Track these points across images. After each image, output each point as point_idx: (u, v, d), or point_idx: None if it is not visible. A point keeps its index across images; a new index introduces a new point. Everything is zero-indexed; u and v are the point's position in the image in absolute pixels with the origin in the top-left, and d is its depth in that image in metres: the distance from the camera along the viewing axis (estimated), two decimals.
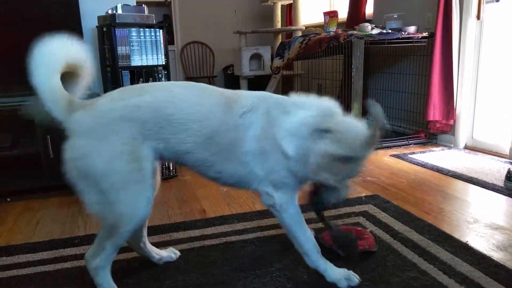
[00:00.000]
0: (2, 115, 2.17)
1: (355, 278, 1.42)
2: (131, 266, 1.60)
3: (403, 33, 3.17)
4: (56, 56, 1.24)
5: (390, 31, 3.25)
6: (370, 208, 2.05)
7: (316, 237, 1.72)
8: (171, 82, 1.37)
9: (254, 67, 4.95)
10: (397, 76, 3.78)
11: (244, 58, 4.75)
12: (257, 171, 1.34)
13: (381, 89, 4.02)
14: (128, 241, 1.52)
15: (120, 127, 1.22)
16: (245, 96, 1.37)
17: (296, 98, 1.39)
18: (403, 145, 3.32)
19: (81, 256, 1.69)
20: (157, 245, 1.76)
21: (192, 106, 1.28)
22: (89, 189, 1.24)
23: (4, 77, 2.47)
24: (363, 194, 2.26)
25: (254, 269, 1.54)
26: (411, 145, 3.34)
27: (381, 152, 3.18)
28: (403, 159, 2.95)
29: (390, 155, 3.07)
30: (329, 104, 1.36)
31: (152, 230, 1.91)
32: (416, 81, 3.54)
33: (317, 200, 1.42)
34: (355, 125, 1.32)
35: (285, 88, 5.07)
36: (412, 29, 3.30)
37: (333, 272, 1.42)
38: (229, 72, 6.08)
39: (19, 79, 2.48)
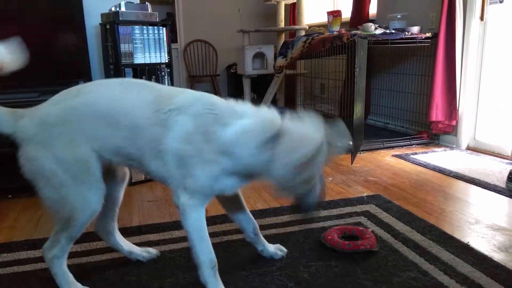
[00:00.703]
0: None
1: None
2: (132, 264, 1.61)
3: (407, 33, 3.17)
4: None
5: (393, 31, 3.24)
6: (371, 208, 2.05)
7: (318, 237, 1.73)
8: (109, 80, 1.38)
9: (257, 66, 4.95)
10: (400, 76, 3.77)
11: (247, 57, 4.74)
12: (173, 172, 1.29)
13: (384, 89, 4.01)
14: (97, 231, 1.59)
15: (58, 130, 1.26)
16: (182, 95, 1.31)
17: (235, 105, 1.31)
18: (405, 146, 3.32)
19: (81, 253, 1.70)
20: (159, 243, 1.77)
21: (120, 100, 1.29)
22: (43, 188, 1.29)
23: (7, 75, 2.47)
24: (365, 194, 2.26)
25: (255, 268, 1.54)
26: (414, 146, 3.33)
27: (383, 152, 3.18)
28: (405, 159, 2.95)
29: (392, 155, 3.07)
30: (270, 114, 1.32)
31: (154, 228, 1.91)
32: (419, 81, 3.53)
33: (299, 208, 1.33)
34: (304, 128, 1.26)
35: (288, 87, 5.07)
36: (415, 29, 3.29)
37: None
38: (232, 70, 6.08)
39: (21, 76, 2.50)
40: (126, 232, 1.87)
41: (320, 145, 1.18)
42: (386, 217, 1.93)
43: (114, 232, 1.61)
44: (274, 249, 1.63)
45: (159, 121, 1.25)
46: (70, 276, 1.41)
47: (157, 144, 1.26)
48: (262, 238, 1.62)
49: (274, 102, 4.96)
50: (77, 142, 1.27)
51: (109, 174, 1.48)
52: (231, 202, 1.57)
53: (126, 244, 1.64)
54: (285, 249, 1.66)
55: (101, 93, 1.32)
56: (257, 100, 5.54)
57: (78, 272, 1.54)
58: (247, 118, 1.26)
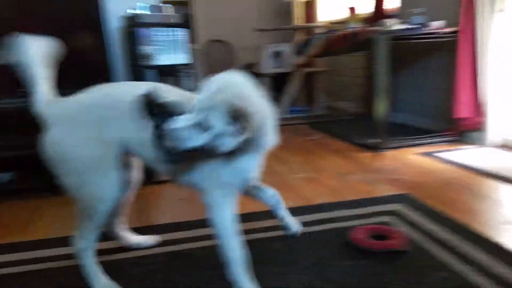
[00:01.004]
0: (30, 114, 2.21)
1: None
2: (159, 262, 1.61)
3: (429, 28, 3.10)
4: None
5: (414, 26, 3.17)
6: (398, 207, 2.01)
7: (345, 236, 1.70)
8: (132, 82, 1.46)
9: (276, 65, 4.93)
10: (423, 72, 3.70)
11: (266, 55, 4.73)
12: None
13: (406, 85, 3.94)
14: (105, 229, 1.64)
15: (87, 115, 1.33)
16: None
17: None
18: (431, 143, 3.24)
19: (122, 249, 1.73)
20: (189, 240, 1.79)
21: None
22: (65, 174, 1.34)
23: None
24: (391, 193, 2.21)
25: (283, 266, 1.53)
26: (440, 143, 3.25)
27: (408, 150, 3.11)
28: (431, 157, 2.88)
29: (417, 153, 3.00)
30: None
31: (185, 226, 1.93)
32: (443, 76, 3.45)
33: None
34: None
35: (307, 85, 5.04)
36: (437, 24, 3.22)
37: None
38: (250, 70, 6.07)
39: None
40: (159, 229, 1.89)
41: None
42: (414, 216, 1.89)
43: (117, 227, 1.70)
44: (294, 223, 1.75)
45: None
46: (98, 269, 1.45)
47: None
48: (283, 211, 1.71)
49: (293, 101, 4.94)
50: (101, 130, 1.32)
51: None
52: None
53: (132, 238, 1.73)
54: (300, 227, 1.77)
55: (132, 87, 1.36)
56: (275, 98, 5.51)
57: (107, 269, 1.56)
58: None
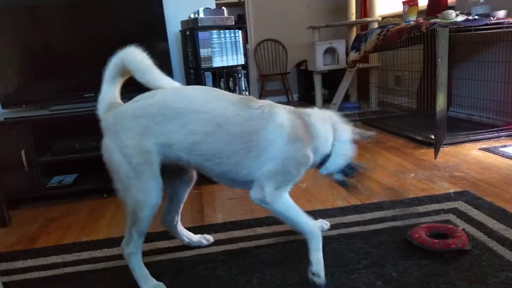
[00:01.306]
0: (96, 119, 2.37)
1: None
2: (220, 260, 1.68)
3: (492, 19, 2.95)
4: (121, 66, 1.47)
5: (476, 17, 3.04)
6: (460, 205, 1.95)
7: (404, 235, 1.69)
8: (183, 86, 1.50)
9: (328, 62, 4.89)
10: (485, 64, 3.52)
11: (318, 53, 4.71)
12: (264, 163, 1.40)
13: (466, 78, 3.77)
14: (163, 223, 1.76)
15: (131, 123, 1.38)
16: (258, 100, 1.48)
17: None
18: (493, 138, 3.10)
19: (174, 249, 1.81)
20: (243, 239, 1.83)
21: (202, 99, 1.40)
22: (114, 179, 1.43)
23: (97, 82, 2.69)
24: (452, 190, 2.15)
25: (341, 265, 1.54)
26: (502, 138, 3.10)
27: (468, 145, 2.99)
28: (493, 152, 2.76)
29: (479, 149, 2.88)
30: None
31: (238, 225, 1.98)
32: (506, 69, 3.27)
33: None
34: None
35: (361, 81, 4.96)
36: (501, 13, 3.06)
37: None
38: (302, 68, 6.06)
39: None
40: (212, 228, 1.96)
41: None
42: (477, 215, 1.83)
43: (177, 225, 1.78)
44: (319, 223, 1.84)
45: (254, 116, 1.39)
46: (146, 271, 1.50)
47: (253, 137, 1.37)
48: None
49: (346, 98, 4.88)
50: (145, 136, 1.37)
51: (176, 176, 1.66)
52: None
53: (187, 235, 1.80)
54: (327, 223, 1.86)
55: (178, 93, 1.42)
56: (328, 96, 5.47)
57: (171, 267, 1.65)
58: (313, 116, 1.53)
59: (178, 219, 1.77)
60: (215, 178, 1.52)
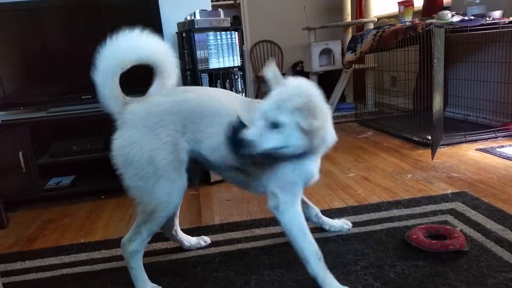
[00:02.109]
0: (95, 119, 2.37)
1: None
2: (218, 261, 1.68)
3: (488, 19, 2.97)
4: (117, 58, 1.38)
5: (472, 17, 3.06)
6: (458, 206, 1.96)
7: (401, 236, 1.69)
8: (207, 87, 1.52)
9: (324, 63, 4.90)
10: (481, 65, 3.54)
11: (314, 54, 4.71)
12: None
13: (463, 79, 3.79)
14: (162, 229, 1.68)
15: (169, 119, 1.35)
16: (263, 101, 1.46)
17: None
18: (490, 138, 3.11)
19: (171, 250, 1.81)
20: (241, 240, 1.83)
21: (224, 103, 1.40)
22: (134, 176, 1.34)
23: (91, 85, 2.68)
24: (449, 191, 2.16)
25: (339, 267, 1.54)
26: (499, 138, 3.11)
27: (465, 146, 3.01)
28: (490, 153, 2.77)
29: (476, 149, 2.89)
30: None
31: (235, 226, 1.98)
32: (502, 69, 3.29)
33: None
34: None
35: (357, 82, 4.97)
36: (497, 14, 3.08)
37: (332, 285, 1.36)
38: (298, 69, 6.07)
39: None
40: (210, 230, 1.96)
41: None
42: (475, 215, 1.84)
43: (177, 232, 1.76)
44: (341, 224, 1.81)
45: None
46: (145, 273, 1.48)
47: None
48: (325, 218, 1.79)
49: (342, 98, 4.89)
50: (181, 134, 1.37)
51: None
52: None
53: (187, 239, 1.78)
54: (350, 223, 1.83)
55: (208, 93, 1.44)
56: (324, 96, 5.47)
57: (168, 268, 1.65)
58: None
59: (177, 224, 1.75)
60: (232, 181, 1.53)
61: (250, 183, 1.46)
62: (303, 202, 1.72)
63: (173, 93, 1.41)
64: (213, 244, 1.82)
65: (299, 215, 1.39)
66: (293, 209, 1.38)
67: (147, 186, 1.35)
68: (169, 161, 1.35)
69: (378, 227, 1.83)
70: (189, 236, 1.81)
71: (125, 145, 1.34)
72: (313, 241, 1.39)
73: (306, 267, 1.38)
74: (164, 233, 1.78)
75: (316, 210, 1.78)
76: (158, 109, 1.37)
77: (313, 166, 1.38)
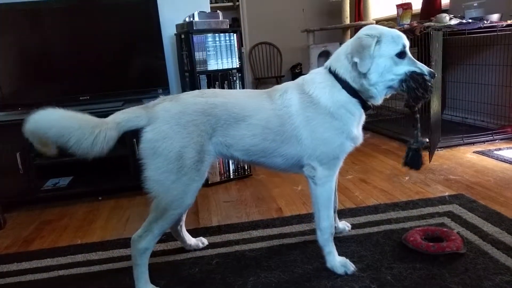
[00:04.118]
0: None
1: (351, 267, 1.50)
2: (215, 263, 1.68)
3: (485, 22, 2.98)
4: None
5: (470, 20, 3.06)
6: (455, 208, 1.96)
7: (398, 238, 1.69)
8: (231, 90, 1.56)
9: (323, 65, 4.90)
10: (479, 68, 3.55)
11: (313, 56, 4.72)
12: (307, 144, 1.44)
13: (461, 82, 3.80)
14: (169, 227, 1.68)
15: (200, 119, 1.40)
16: (278, 86, 1.55)
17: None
18: (487, 141, 3.12)
19: (169, 251, 1.81)
20: (238, 242, 1.83)
21: (249, 104, 1.46)
22: (157, 169, 1.37)
23: (92, 85, 2.69)
24: (447, 193, 2.16)
25: None
26: (497, 141, 3.12)
27: (463, 148, 3.01)
28: (488, 155, 2.78)
29: (473, 152, 2.90)
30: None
31: (233, 228, 1.98)
32: (500, 72, 3.30)
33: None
34: None
35: None
36: (495, 17, 3.08)
37: (334, 258, 1.53)
38: (296, 71, 6.08)
39: (106, 86, 2.70)
40: (208, 231, 1.96)
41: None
42: (472, 218, 1.84)
43: (182, 228, 1.78)
44: (342, 225, 1.83)
45: (278, 106, 1.44)
46: (147, 273, 1.49)
47: (287, 127, 1.43)
48: (337, 216, 1.80)
49: None
50: (210, 136, 1.42)
51: None
52: None
53: (188, 239, 1.80)
54: (349, 225, 1.85)
55: (234, 98, 1.48)
56: None
57: (165, 269, 1.65)
58: (312, 74, 1.53)
59: (183, 220, 1.77)
60: (277, 170, 1.59)
61: (288, 168, 1.54)
62: None
63: (205, 95, 1.46)
64: (211, 245, 1.82)
65: (332, 190, 1.51)
66: (330, 183, 1.49)
67: (168, 181, 1.37)
68: (195, 161, 1.39)
69: (375, 229, 1.83)
70: (190, 236, 1.81)
71: (157, 139, 1.37)
72: (332, 216, 1.53)
73: (317, 235, 1.53)
74: (170, 229, 1.77)
75: (336, 203, 1.74)
76: (193, 108, 1.41)
77: (356, 136, 1.48)
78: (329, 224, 1.50)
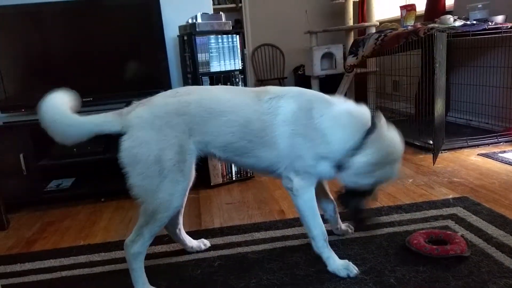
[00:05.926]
0: None
1: (354, 269, 1.49)
2: (217, 265, 1.67)
3: (490, 24, 2.96)
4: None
5: (474, 22, 3.05)
6: (459, 211, 1.95)
7: (402, 241, 1.68)
8: (209, 86, 1.55)
9: (326, 67, 4.89)
10: (483, 70, 3.54)
11: (316, 57, 4.71)
12: (283, 156, 1.44)
13: (465, 83, 3.78)
14: (166, 228, 1.71)
15: (174, 120, 1.39)
16: (273, 88, 1.52)
17: (320, 93, 1.52)
18: (492, 143, 3.10)
19: (171, 253, 1.80)
20: (241, 244, 1.82)
21: (228, 100, 1.45)
22: (138, 175, 1.37)
23: (95, 86, 2.70)
24: (451, 196, 2.15)
25: None
26: (501, 143, 3.10)
27: (467, 151, 3.00)
28: (492, 158, 2.76)
29: (477, 154, 2.88)
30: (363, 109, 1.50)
31: (235, 230, 1.97)
32: (505, 74, 3.28)
33: (342, 203, 1.54)
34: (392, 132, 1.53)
35: (359, 86, 4.96)
36: (499, 18, 3.07)
37: (335, 261, 1.52)
38: (299, 72, 6.07)
39: (109, 88, 2.71)
40: (210, 233, 1.96)
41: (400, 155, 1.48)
42: (476, 221, 1.83)
43: (180, 231, 1.77)
44: (345, 227, 1.82)
45: (264, 110, 1.42)
46: (145, 276, 1.49)
47: (267, 132, 1.42)
48: (339, 217, 1.80)
49: None
50: (188, 136, 1.41)
51: None
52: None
53: (188, 241, 1.79)
54: (352, 227, 1.84)
55: (210, 94, 1.47)
56: None
57: (168, 271, 1.64)
58: (337, 106, 1.45)
59: (181, 223, 1.76)
60: (246, 169, 1.62)
61: (259, 170, 1.55)
62: (324, 194, 1.76)
63: (178, 95, 1.45)
64: (213, 247, 1.82)
65: (313, 199, 1.50)
66: (309, 193, 1.48)
67: (152, 185, 1.37)
68: (175, 162, 1.38)
69: (378, 231, 1.82)
70: (191, 238, 1.81)
71: (134, 146, 1.37)
72: (321, 223, 1.52)
73: (312, 245, 1.55)
74: (167, 233, 1.78)
75: (334, 204, 1.76)
76: (165, 109, 1.40)
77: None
78: (320, 232, 1.51)
